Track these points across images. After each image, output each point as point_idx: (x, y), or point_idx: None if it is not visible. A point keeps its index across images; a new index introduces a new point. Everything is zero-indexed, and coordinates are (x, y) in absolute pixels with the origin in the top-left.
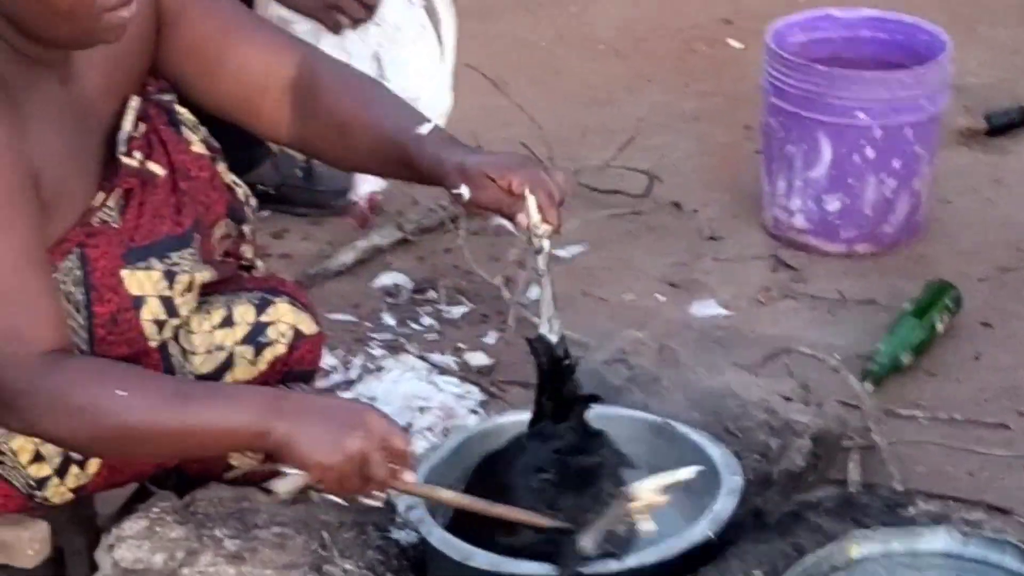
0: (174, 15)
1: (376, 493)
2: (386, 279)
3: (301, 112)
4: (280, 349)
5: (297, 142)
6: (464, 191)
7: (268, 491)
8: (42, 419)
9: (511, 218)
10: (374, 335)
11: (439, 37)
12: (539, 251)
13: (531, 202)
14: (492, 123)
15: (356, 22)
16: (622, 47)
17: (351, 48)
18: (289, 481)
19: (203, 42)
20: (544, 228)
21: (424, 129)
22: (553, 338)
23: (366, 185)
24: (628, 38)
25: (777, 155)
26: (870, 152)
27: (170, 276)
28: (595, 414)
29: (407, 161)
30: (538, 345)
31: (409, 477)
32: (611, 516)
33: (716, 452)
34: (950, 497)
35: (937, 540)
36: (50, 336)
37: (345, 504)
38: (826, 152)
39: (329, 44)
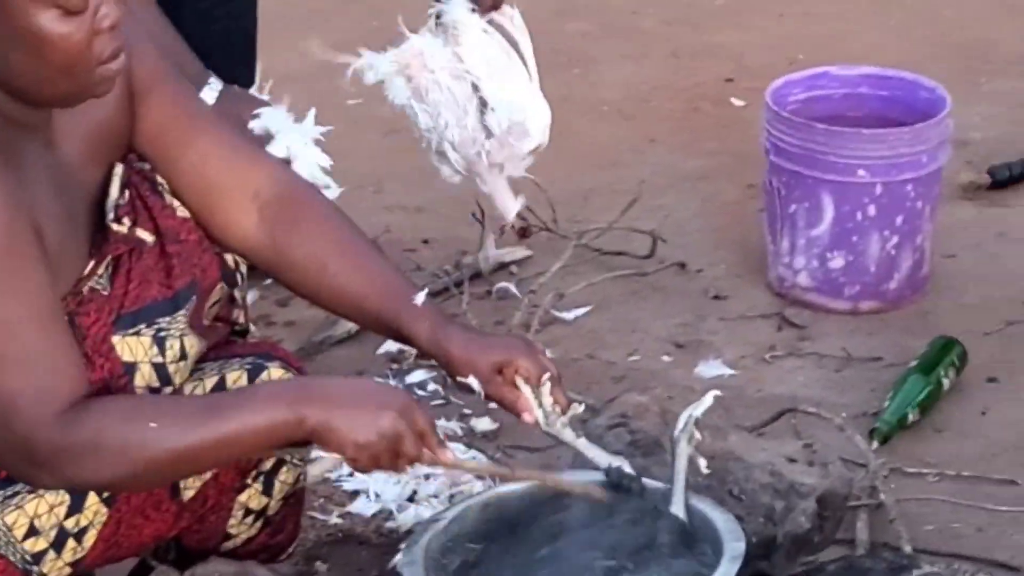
0: (143, 93)
1: (407, 467)
2: (391, 345)
3: (273, 229)
4: None
5: (261, 259)
6: (475, 384)
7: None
8: (82, 471)
9: (517, 412)
10: None
11: (522, 58)
12: (564, 437)
13: (545, 398)
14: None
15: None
16: (626, 108)
17: (456, 91)
18: (320, 464)
19: (166, 126)
20: (561, 419)
21: (419, 299)
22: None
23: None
24: (632, 98)
25: (780, 214)
26: (872, 209)
27: (160, 342)
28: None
29: (397, 328)
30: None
31: (441, 452)
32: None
33: (719, 517)
34: (958, 556)
35: None
36: (75, 388)
37: None
38: (828, 210)
39: (433, 88)
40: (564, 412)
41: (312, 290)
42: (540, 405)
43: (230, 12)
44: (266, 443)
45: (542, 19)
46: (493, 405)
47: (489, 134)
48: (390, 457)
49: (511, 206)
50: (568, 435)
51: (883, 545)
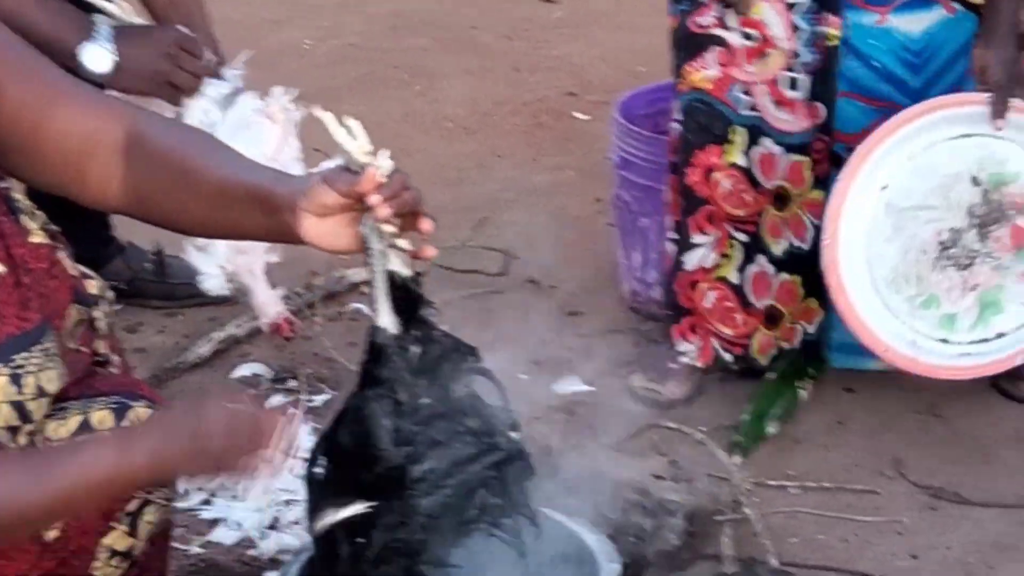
0: None
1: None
2: (245, 369)
3: (134, 170)
4: None
5: (133, 204)
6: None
7: None
8: None
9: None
10: None
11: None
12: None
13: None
14: None
15: (190, 91)
16: (470, 124)
17: None
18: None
19: (21, 112)
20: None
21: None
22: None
23: (269, 309)
24: (475, 114)
25: (631, 228)
26: None
27: (16, 380)
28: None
29: (263, 196)
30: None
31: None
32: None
33: (592, 539)
34: (825, 567)
35: None
36: None
37: None
38: None
39: None
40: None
41: (179, 208)
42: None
43: None
44: (107, 494)
45: (380, 35)
46: None
47: None
48: (239, 448)
49: (269, 309)
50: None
51: (750, 559)
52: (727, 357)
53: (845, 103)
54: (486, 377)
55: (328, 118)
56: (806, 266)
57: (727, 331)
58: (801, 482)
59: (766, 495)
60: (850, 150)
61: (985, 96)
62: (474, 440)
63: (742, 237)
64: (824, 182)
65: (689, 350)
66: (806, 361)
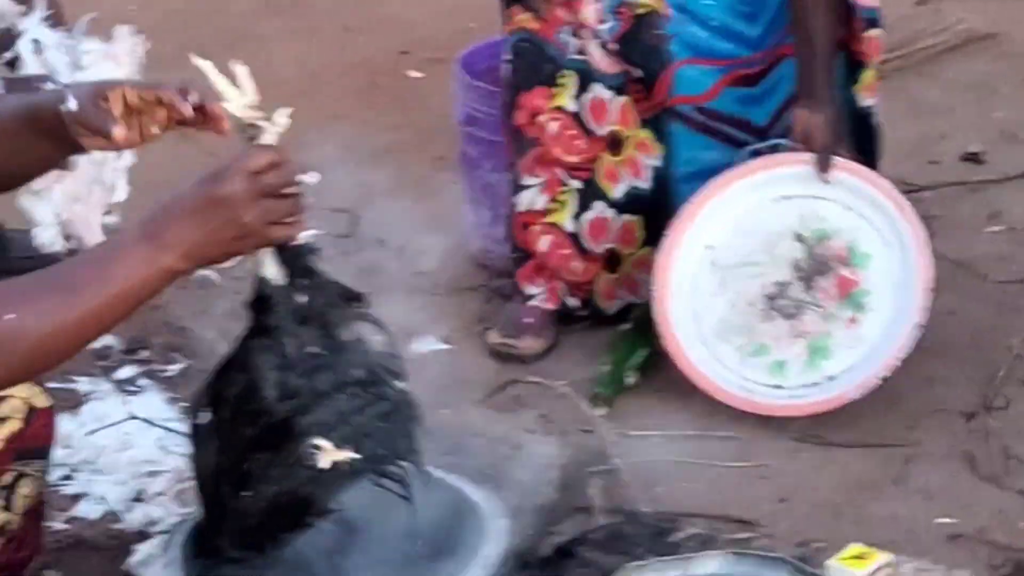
0: None
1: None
2: (96, 342)
3: None
4: (15, 425)
5: None
6: (72, 103)
7: None
8: None
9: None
10: (89, 401)
11: None
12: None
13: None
14: (185, 172)
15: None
16: (304, 86)
17: None
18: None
19: None
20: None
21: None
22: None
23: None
24: (307, 76)
25: (478, 185)
26: None
27: None
28: None
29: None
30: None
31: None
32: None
33: (477, 495)
34: (693, 515)
35: (711, 564)
36: None
37: None
38: None
39: None
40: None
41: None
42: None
43: None
44: (142, 298)
45: (204, 0)
46: None
47: None
48: (267, 215)
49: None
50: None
51: (619, 511)
52: (572, 302)
53: (688, 69)
54: (372, 324)
55: (208, 67)
56: (646, 206)
57: (568, 277)
58: (664, 431)
59: (631, 445)
60: (699, 110)
61: (808, 156)
62: (360, 390)
63: (576, 184)
64: (650, 122)
65: (537, 292)
66: None
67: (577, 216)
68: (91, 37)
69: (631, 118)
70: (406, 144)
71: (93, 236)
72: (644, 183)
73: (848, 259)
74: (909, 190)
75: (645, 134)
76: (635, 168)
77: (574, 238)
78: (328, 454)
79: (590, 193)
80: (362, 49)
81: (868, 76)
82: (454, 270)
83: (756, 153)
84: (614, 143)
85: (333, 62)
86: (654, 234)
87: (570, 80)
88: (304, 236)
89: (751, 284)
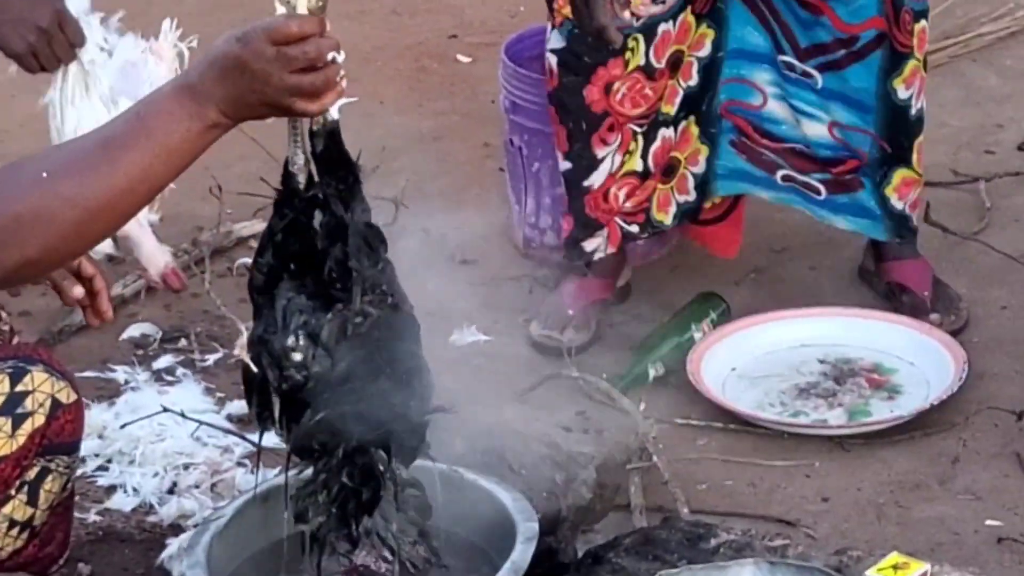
0: None
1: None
2: (134, 330)
3: None
4: (39, 420)
5: None
6: None
7: None
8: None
9: None
10: (127, 391)
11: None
12: None
13: None
14: (227, 157)
15: (51, 69)
16: (350, 69)
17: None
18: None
19: None
20: None
21: None
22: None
23: (158, 260)
24: (355, 59)
25: (523, 173)
26: None
27: None
28: None
29: None
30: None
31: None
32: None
33: (507, 497)
34: (734, 514)
35: (744, 573)
36: None
37: None
38: None
39: None
40: None
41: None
42: None
43: None
44: (187, 154)
45: None
46: None
47: None
48: (292, 65)
49: (158, 260)
50: None
51: (658, 509)
52: (633, 229)
53: None
54: None
55: None
56: (697, 105)
57: (628, 205)
58: (707, 426)
59: (672, 441)
60: None
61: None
62: None
63: (643, 128)
64: (706, 15)
65: (599, 244)
66: (707, 302)
67: (644, 154)
68: (130, 34)
69: (687, 26)
70: (452, 130)
71: (144, 234)
72: (692, 82)
73: (875, 370)
74: (963, 180)
75: (702, 30)
76: (686, 72)
77: (642, 174)
78: None
79: (653, 125)
80: (411, 32)
81: (909, 67)
82: (497, 260)
83: None
84: (675, 64)
85: (382, 45)
86: (705, 124)
87: (640, 41)
88: (332, 114)
89: (781, 384)
